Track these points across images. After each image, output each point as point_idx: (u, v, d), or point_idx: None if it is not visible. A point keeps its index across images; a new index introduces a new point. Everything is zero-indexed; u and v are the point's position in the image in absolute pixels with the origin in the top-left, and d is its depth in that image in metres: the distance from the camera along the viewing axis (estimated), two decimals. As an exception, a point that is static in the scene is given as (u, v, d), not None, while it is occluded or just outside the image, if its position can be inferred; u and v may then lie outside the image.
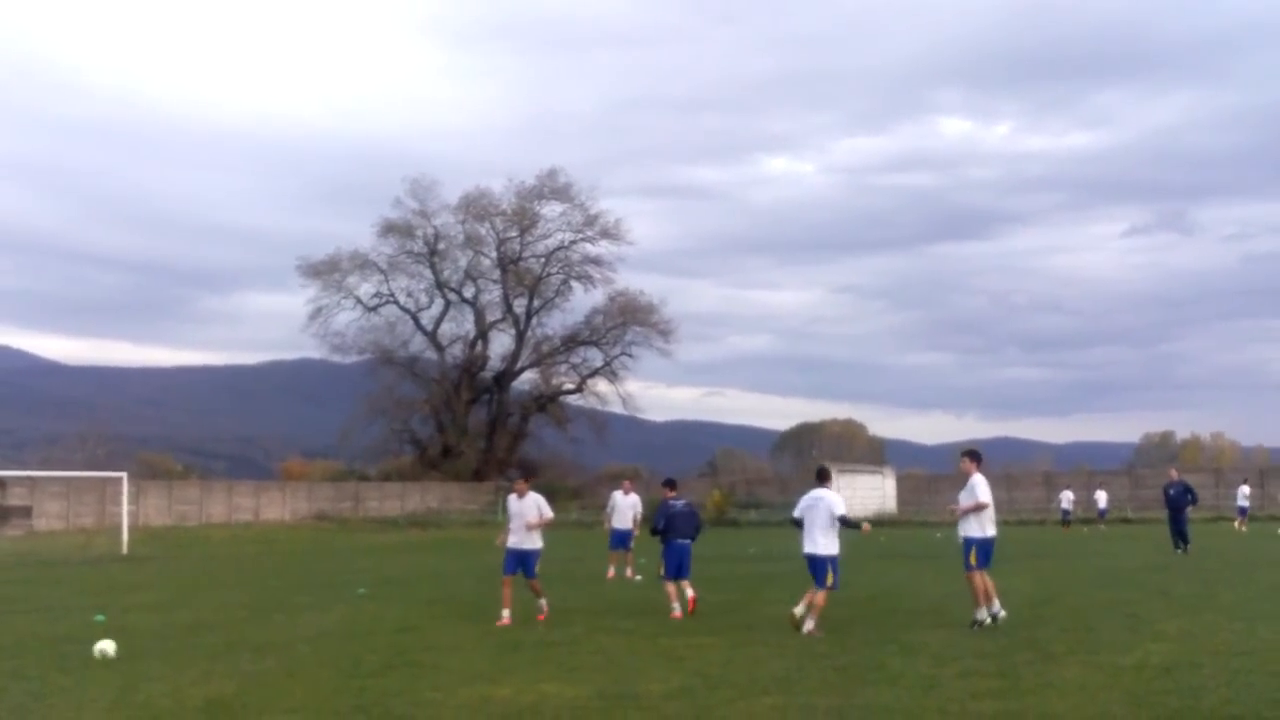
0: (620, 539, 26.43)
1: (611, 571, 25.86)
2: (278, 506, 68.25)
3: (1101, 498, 54.98)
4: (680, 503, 18.64)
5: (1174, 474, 35.83)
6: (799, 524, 15.95)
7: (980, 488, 15.81)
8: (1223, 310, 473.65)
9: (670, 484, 19.23)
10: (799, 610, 15.44)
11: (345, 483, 78.67)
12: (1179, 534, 31.69)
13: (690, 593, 18.00)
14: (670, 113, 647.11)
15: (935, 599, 19.67)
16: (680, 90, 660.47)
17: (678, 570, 18.20)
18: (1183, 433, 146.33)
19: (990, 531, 15.79)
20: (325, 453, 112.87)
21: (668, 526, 18.26)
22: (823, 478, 16.08)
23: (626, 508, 26.73)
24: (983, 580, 15.46)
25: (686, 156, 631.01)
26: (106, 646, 13.95)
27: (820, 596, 15.32)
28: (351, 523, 67.26)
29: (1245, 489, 48.01)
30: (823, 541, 15.42)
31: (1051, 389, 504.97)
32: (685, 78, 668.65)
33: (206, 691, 11.60)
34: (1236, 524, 46.22)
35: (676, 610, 17.72)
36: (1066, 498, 53.61)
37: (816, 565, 15.41)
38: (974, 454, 16.44)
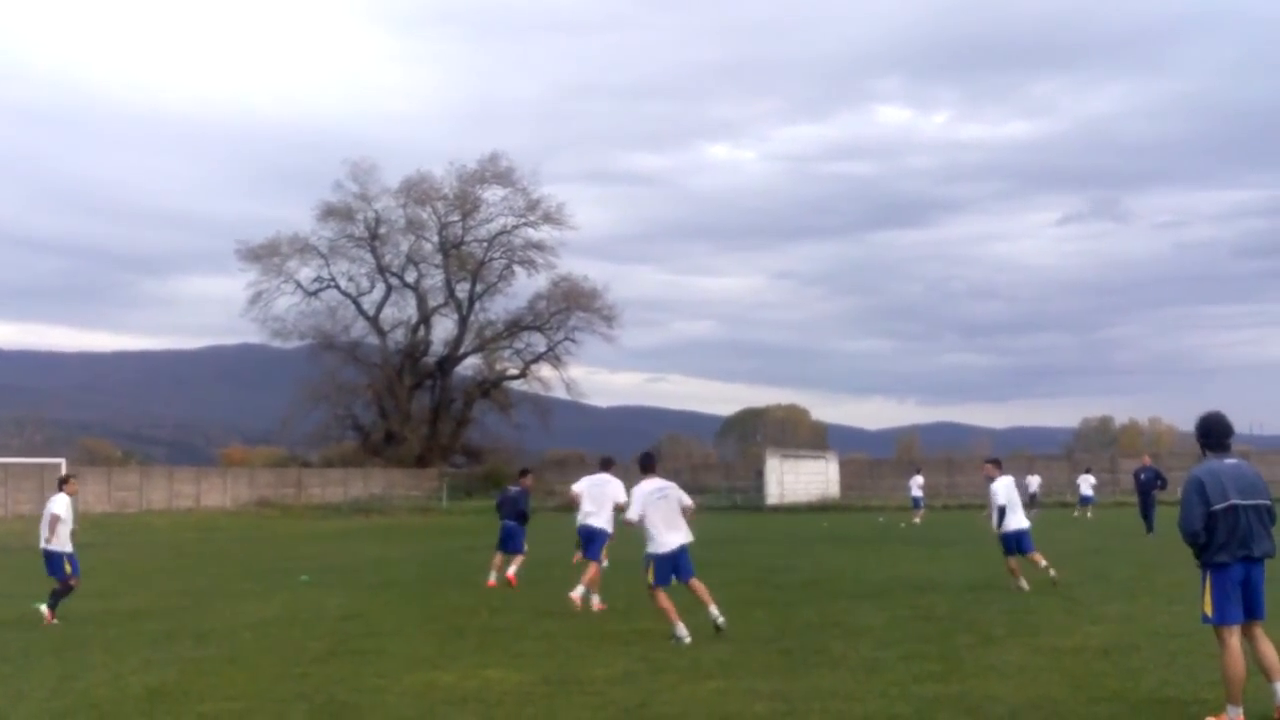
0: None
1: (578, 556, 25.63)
2: (219, 493, 67.53)
3: (1033, 482, 55.68)
4: (515, 489, 21.68)
5: (1146, 459, 36.74)
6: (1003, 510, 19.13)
7: (634, 499, 14.01)
8: (1157, 297, 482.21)
9: (523, 473, 22.49)
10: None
11: (287, 469, 77.98)
12: (1147, 517, 32.31)
13: (511, 570, 20.86)
14: (613, 99, 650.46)
15: (878, 583, 19.81)
16: (623, 77, 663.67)
17: (502, 545, 21.27)
18: (1121, 418, 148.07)
19: (668, 546, 13.92)
20: (267, 439, 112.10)
21: (499, 506, 21.66)
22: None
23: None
24: (666, 598, 13.90)
25: (629, 143, 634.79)
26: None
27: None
28: (294, 509, 66.68)
29: (1089, 478, 49.18)
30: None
31: (991, 374, 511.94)
32: (628, 65, 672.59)
33: (147, 680, 11.52)
34: (1076, 513, 47.03)
35: (492, 579, 20.88)
36: (1034, 481, 53.67)
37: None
38: (641, 460, 14.53)
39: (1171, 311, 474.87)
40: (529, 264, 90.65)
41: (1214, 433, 8.97)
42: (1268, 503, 8.74)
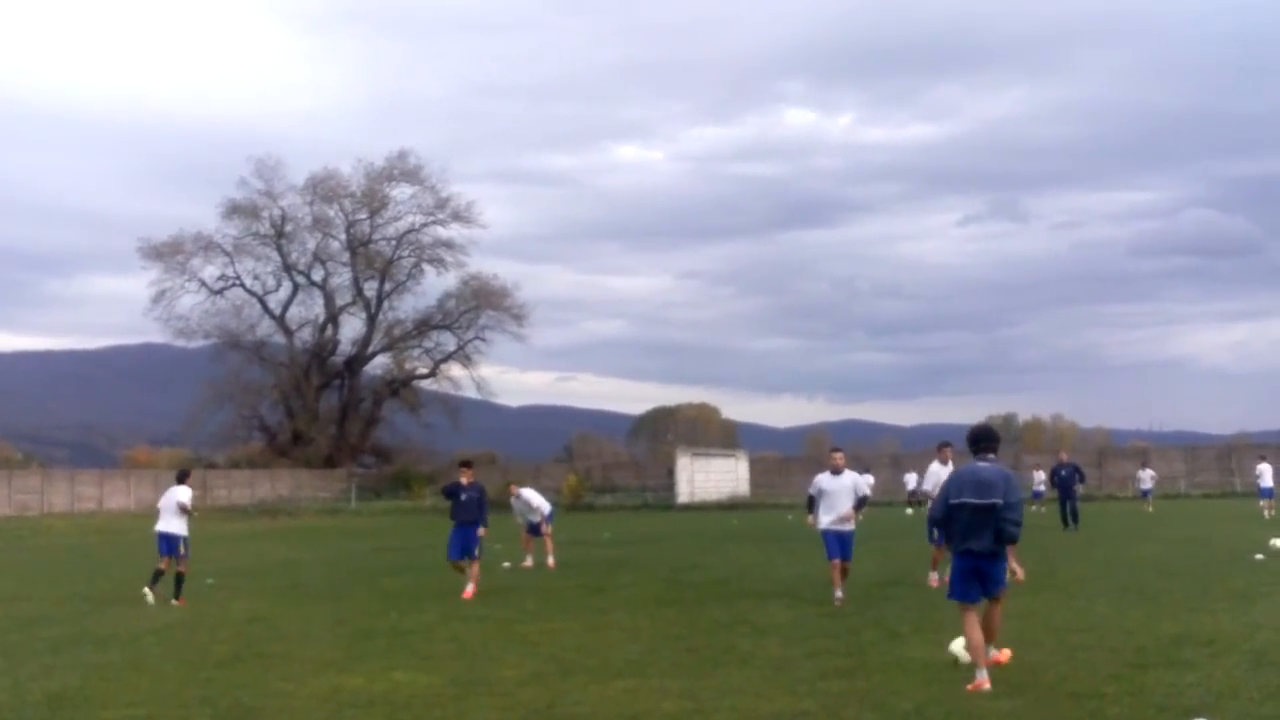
0: (533, 529, 25.58)
1: (528, 561, 25.13)
2: (122, 495, 66.47)
3: (910, 479, 56.29)
4: (471, 486, 19.88)
5: (1064, 456, 37.36)
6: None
7: None
8: (1057, 296, 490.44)
9: (465, 464, 20.74)
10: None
11: (192, 471, 76.94)
12: (1072, 513, 33.07)
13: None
14: (521, 100, 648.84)
15: (786, 581, 19.94)
16: (531, 78, 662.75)
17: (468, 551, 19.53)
18: (1024, 415, 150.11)
19: None
20: (171, 440, 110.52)
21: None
22: None
23: (523, 507, 25.70)
24: None
25: (538, 143, 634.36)
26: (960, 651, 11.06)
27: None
28: (199, 511, 65.80)
29: (1040, 475, 49.92)
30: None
31: (897, 373, 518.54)
32: (536, 65, 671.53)
33: (48, 685, 11.32)
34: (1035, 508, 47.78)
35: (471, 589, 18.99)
36: (1034, 478, 52.20)
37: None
38: None
39: (1072, 310, 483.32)
40: (438, 262, 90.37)
41: (978, 440, 10.46)
42: (992, 502, 9.94)
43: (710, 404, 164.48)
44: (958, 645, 12.38)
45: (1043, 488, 47.75)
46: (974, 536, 10.07)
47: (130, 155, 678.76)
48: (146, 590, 19.42)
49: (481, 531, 19.42)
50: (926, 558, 22.66)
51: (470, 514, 19.42)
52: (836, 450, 17.69)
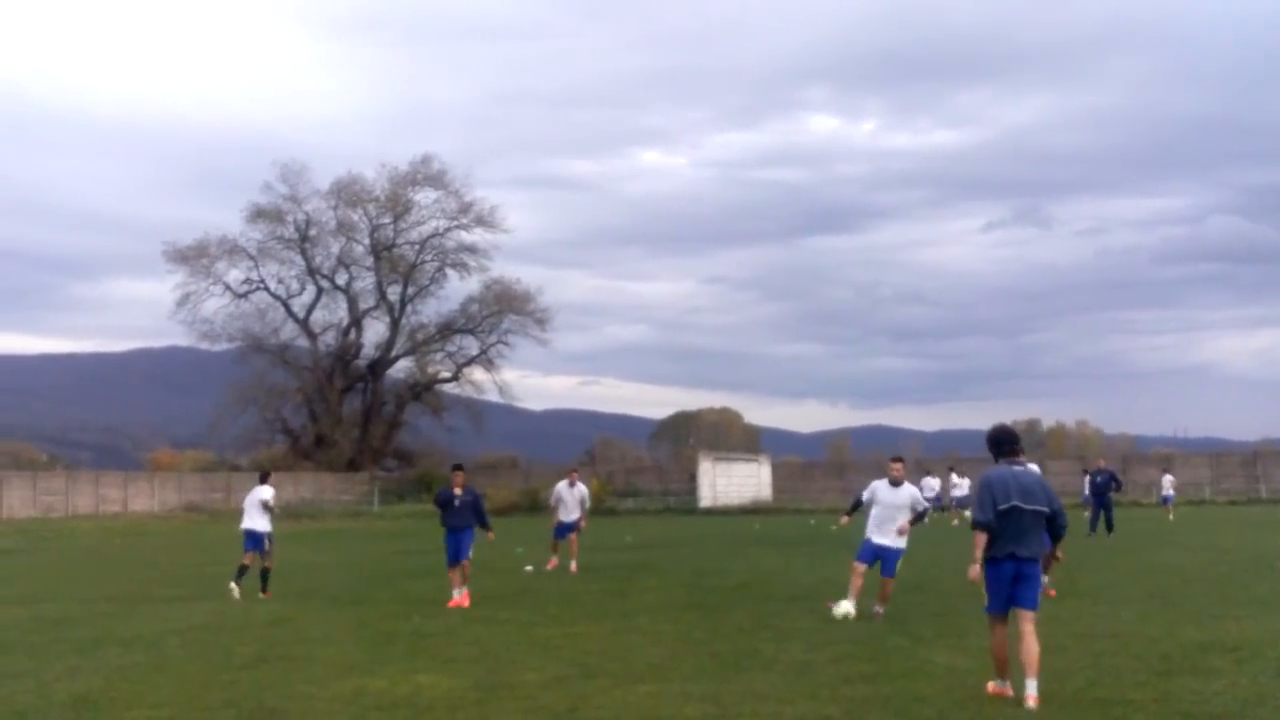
0: (563, 530, 25.25)
1: (554, 561, 25.16)
2: (146, 497, 66.66)
3: (934, 485, 56.26)
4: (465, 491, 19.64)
5: (1101, 462, 37.37)
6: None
7: None
8: (1081, 302, 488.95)
9: (457, 468, 20.46)
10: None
11: (216, 473, 77.13)
12: (1106, 520, 33.18)
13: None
14: (543, 106, 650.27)
15: (809, 585, 19.90)
16: (554, 84, 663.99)
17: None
18: (1048, 421, 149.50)
19: None
20: (195, 442, 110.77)
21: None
22: None
23: (574, 501, 25.36)
24: None
25: (561, 149, 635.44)
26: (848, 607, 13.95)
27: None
28: (223, 514, 65.81)
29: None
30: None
31: (920, 378, 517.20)
32: (558, 72, 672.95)
33: (73, 687, 11.36)
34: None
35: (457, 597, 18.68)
36: (1085, 484, 50.49)
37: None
38: None
39: (1095, 316, 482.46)
40: (461, 267, 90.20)
41: (1004, 442, 10.22)
42: (1045, 509, 9.88)
43: (733, 408, 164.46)
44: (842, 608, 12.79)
45: None
46: (1021, 542, 9.85)
47: (152, 160, 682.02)
48: (232, 585, 20.31)
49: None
50: (944, 561, 22.59)
51: (463, 520, 19.15)
52: (897, 460, 16.29)
